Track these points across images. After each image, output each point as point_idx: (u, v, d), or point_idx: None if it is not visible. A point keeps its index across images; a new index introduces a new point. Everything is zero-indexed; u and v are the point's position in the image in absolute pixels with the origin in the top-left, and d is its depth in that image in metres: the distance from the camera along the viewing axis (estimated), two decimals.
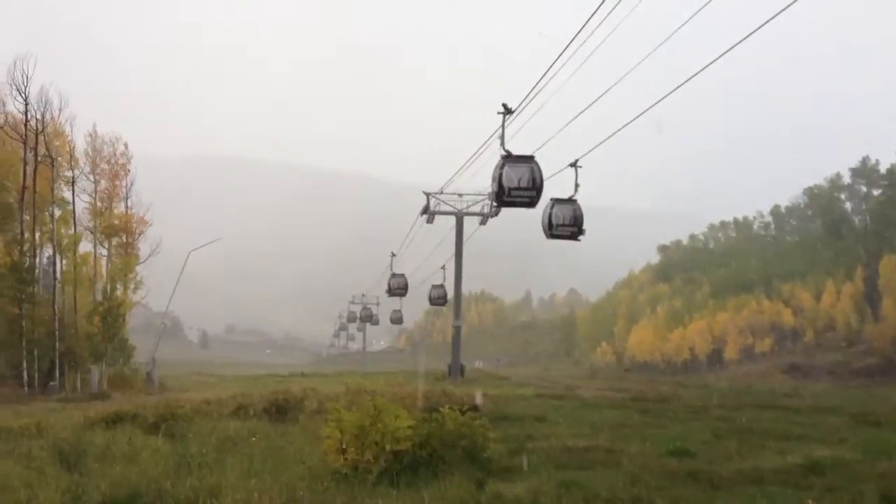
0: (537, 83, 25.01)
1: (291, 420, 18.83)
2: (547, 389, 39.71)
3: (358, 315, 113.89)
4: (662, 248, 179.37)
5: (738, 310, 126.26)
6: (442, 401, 20.56)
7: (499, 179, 27.01)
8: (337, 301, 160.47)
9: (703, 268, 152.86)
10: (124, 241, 60.03)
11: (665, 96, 21.16)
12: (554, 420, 20.32)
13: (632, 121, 23.63)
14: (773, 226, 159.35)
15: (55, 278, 56.30)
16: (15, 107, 50.57)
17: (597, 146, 27.62)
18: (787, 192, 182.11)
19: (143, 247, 60.86)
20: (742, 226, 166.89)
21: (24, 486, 10.52)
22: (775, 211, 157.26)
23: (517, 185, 27.08)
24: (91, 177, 57.79)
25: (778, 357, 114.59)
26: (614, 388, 43.14)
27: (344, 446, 11.65)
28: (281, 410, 19.67)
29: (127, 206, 60.28)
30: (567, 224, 29.96)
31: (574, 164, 29.42)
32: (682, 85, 20.16)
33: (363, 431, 11.69)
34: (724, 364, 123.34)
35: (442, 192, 56.16)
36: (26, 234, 51.84)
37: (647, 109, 22.17)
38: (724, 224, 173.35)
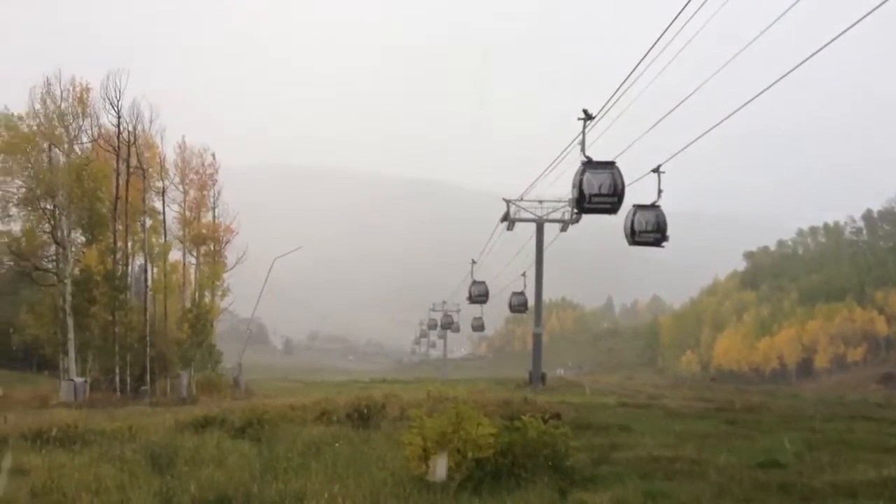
0: (618, 88, 24.80)
1: (374, 426, 18.95)
2: (630, 398, 39.10)
3: (439, 322, 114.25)
4: (749, 255, 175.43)
5: (830, 318, 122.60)
6: (523, 409, 20.48)
7: (579, 186, 26.82)
8: (418, 308, 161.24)
9: (792, 274, 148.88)
10: (212, 249, 61.58)
11: (754, 98, 20.79)
12: (638, 430, 19.99)
13: (718, 123, 23.23)
14: (865, 231, 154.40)
15: (146, 286, 58.02)
16: (108, 120, 52.42)
17: (681, 150, 27.21)
18: (880, 196, 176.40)
19: (230, 255, 62.47)
20: (832, 231, 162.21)
21: (118, 489, 10.84)
22: (867, 216, 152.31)
23: (598, 192, 26.85)
24: (180, 187, 59.62)
25: (871, 366, 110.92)
26: (700, 398, 42.21)
27: (426, 453, 11.68)
28: (363, 416, 19.80)
29: (214, 216, 61.87)
30: (650, 230, 29.51)
31: (657, 170, 28.97)
32: (769, 87, 19.79)
33: (445, 438, 11.69)
34: (814, 373, 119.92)
35: (522, 199, 56.03)
36: (119, 243, 53.54)
37: (735, 112, 21.80)
38: (813, 229, 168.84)
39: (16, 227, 53.79)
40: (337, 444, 15.22)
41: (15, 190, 51.12)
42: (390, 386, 53.94)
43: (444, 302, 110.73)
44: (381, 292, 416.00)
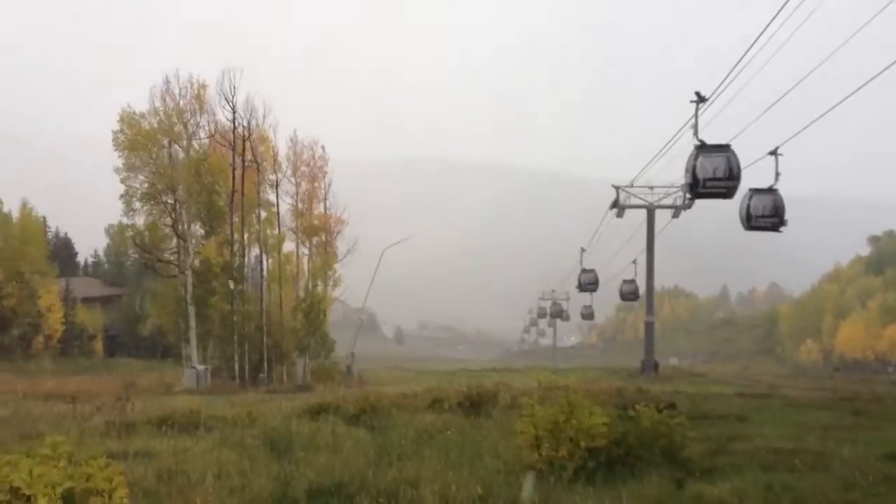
0: (732, 69, 24.06)
1: (485, 414, 18.95)
2: (748, 388, 38.00)
3: (548, 311, 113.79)
4: (873, 239, 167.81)
5: None
6: (636, 398, 20.13)
7: (693, 170, 26.20)
8: (527, 297, 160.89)
9: None
10: (324, 240, 62.76)
11: (875, 76, 19.82)
12: (757, 420, 19.35)
13: (840, 102, 22.25)
14: None
15: (262, 276, 59.66)
16: (224, 116, 54.06)
17: (800, 132, 26.21)
18: None
19: (341, 245, 63.57)
20: None
21: (239, 473, 11.15)
22: None
23: (713, 176, 26.18)
24: (293, 179, 60.93)
25: None
26: (822, 388, 40.70)
27: (538, 442, 11.59)
28: (475, 405, 19.82)
29: (325, 207, 63.04)
30: (767, 215, 28.53)
31: (774, 152, 27.93)
32: (887, 69, 18.82)
33: (557, 427, 11.58)
34: None
35: (632, 186, 55.07)
36: (236, 235, 55.20)
37: (856, 91, 20.84)
38: None
39: (140, 221, 56.18)
40: (449, 432, 15.27)
41: (138, 185, 53.35)
42: (500, 374, 53.81)
43: (553, 290, 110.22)
44: (491, 282, 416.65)
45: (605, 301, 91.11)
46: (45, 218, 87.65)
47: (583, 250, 65.89)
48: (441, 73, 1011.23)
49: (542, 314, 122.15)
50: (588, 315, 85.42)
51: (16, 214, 78.31)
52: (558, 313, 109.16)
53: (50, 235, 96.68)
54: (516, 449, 12.15)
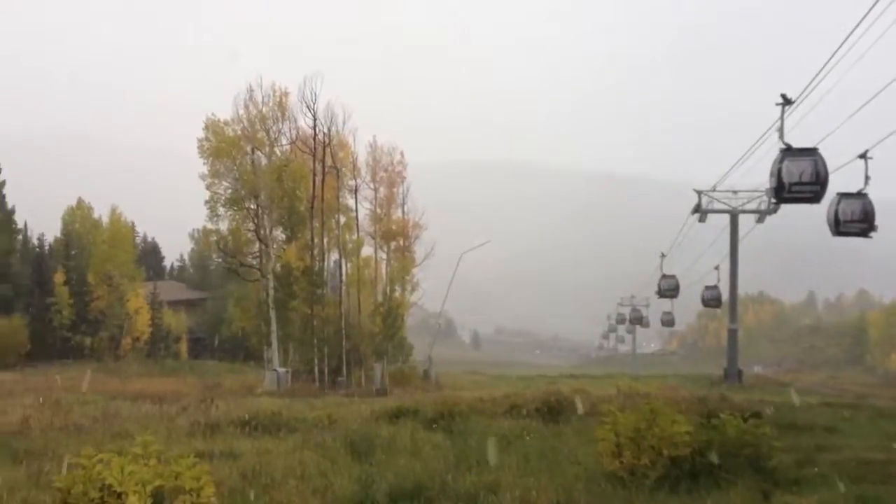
0: (820, 70, 23.40)
1: (563, 421, 18.78)
2: (836, 398, 36.84)
3: (627, 317, 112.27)
4: None
5: None
6: (720, 406, 19.70)
7: (778, 174, 25.59)
8: (605, 303, 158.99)
9: None
10: (401, 244, 63.18)
11: None
12: (845, 431, 18.76)
13: None
14: None
15: (341, 281, 60.33)
16: (305, 122, 54.94)
17: (890, 134, 25.24)
18: None
19: (419, 250, 63.89)
20: None
21: (321, 474, 11.31)
22: None
23: (798, 180, 25.52)
24: (371, 185, 61.54)
25: None
26: None
27: (619, 449, 11.45)
28: (553, 411, 19.65)
29: (403, 212, 63.46)
30: (856, 220, 27.62)
31: (863, 155, 27.05)
32: None
33: (639, 435, 11.41)
34: None
35: (715, 190, 53.99)
36: (316, 240, 55.98)
37: None
38: None
39: (224, 227, 57.41)
40: (527, 438, 15.21)
41: (222, 191, 54.67)
42: (578, 381, 53.37)
43: (632, 296, 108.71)
44: (569, 287, 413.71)
45: (687, 307, 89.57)
46: (133, 223, 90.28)
47: (663, 255, 64.88)
48: (516, 75, 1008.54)
49: (620, 320, 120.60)
50: (668, 321, 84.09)
51: (106, 220, 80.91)
52: (638, 319, 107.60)
53: (138, 240, 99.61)
54: (596, 456, 12.01)
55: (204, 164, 54.26)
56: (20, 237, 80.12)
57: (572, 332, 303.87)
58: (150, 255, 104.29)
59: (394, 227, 62.56)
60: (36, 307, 71.50)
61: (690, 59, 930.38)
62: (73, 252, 78.65)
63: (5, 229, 71.75)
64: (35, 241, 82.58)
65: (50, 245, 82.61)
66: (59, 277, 72.46)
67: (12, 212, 72.82)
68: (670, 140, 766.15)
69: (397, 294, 62.78)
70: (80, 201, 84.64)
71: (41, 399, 26.76)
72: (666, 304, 73.61)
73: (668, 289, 64.43)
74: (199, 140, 54.16)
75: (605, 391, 31.23)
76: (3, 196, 71.46)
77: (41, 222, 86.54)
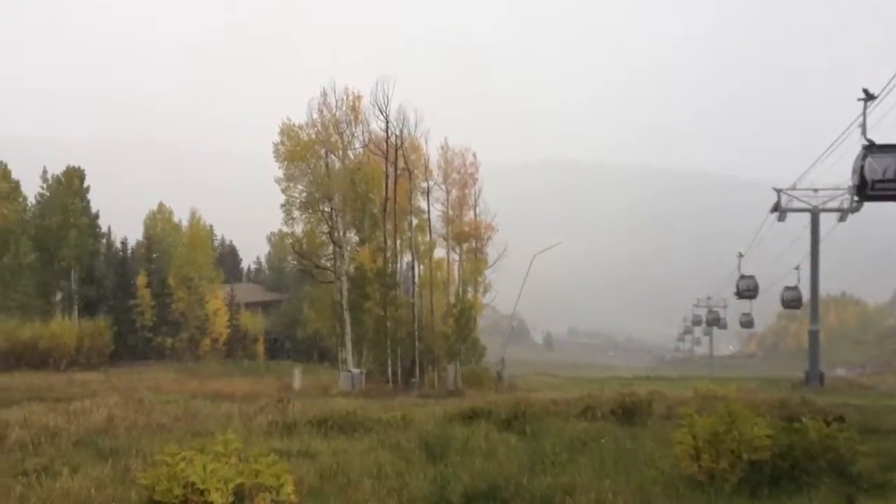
0: None
1: (639, 423, 18.56)
2: None
3: (704, 318, 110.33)
4: None
5: None
6: (801, 410, 19.23)
7: (860, 172, 24.84)
8: (681, 303, 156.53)
9: None
10: (474, 246, 63.20)
11: None
12: None
13: None
14: None
15: (414, 282, 60.65)
16: (377, 125, 55.37)
17: None
18: None
19: (491, 251, 63.83)
20: None
21: (396, 475, 11.40)
22: None
23: (882, 178, 24.73)
24: (443, 186, 61.71)
25: None
26: None
27: (697, 453, 11.26)
28: (628, 413, 19.43)
29: (475, 213, 63.48)
30: None
31: None
32: None
33: (717, 438, 11.22)
34: None
35: (795, 188, 52.70)
36: (388, 242, 56.35)
37: None
38: None
39: (299, 229, 58.32)
40: (602, 440, 15.07)
41: (297, 194, 55.51)
42: (654, 383, 52.65)
43: (708, 297, 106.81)
44: (642, 287, 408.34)
45: (766, 308, 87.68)
46: (211, 226, 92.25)
47: (741, 255, 63.58)
48: (590, 74, 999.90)
49: (697, 321, 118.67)
50: (747, 323, 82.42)
51: (185, 223, 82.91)
52: (715, 321, 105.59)
53: (216, 243, 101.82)
54: (674, 459, 11.84)
55: (279, 167, 55.21)
56: (104, 241, 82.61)
57: (647, 334, 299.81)
58: (227, 258, 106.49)
59: (466, 229, 62.63)
60: (119, 309, 73.67)
61: (769, 55, 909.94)
62: (154, 255, 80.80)
63: (90, 233, 74.06)
64: (118, 245, 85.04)
65: (132, 249, 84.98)
66: (141, 280, 74.55)
67: (97, 216, 75.09)
68: (748, 138, 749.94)
69: (469, 295, 62.79)
70: (161, 206, 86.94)
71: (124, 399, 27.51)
72: (744, 305, 72.11)
73: (747, 289, 63.07)
74: (275, 144, 55.12)
75: (682, 394, 30.77)
76: (88, 201, 73.72)
77: (124, 226, 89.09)
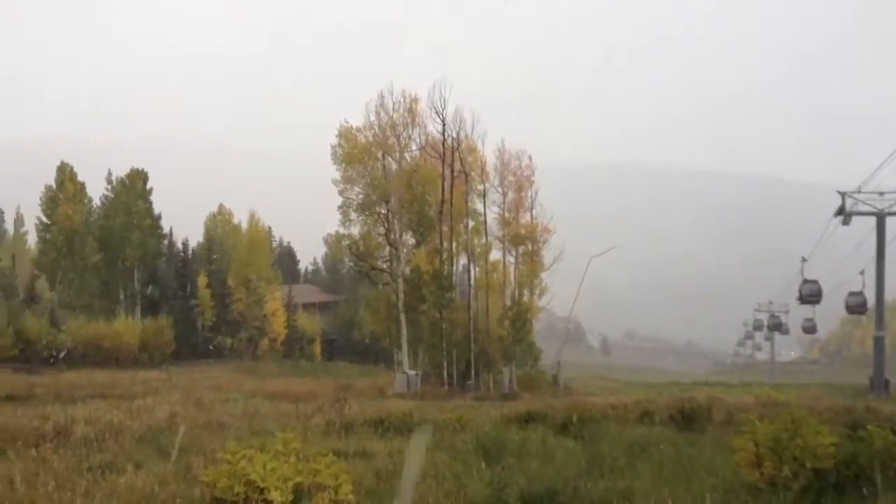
0: None
1: (698, 429, 18.28)
2: None
3: (765, 323, 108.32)
4: None
5: None
6: (866, 418, 18.77)
7: None
8: (741, 307, 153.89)
9: None
10: (530, 249, 63.02)
11: None
12: None
13: None
14: None
15: (469, 284, 60.69)
16: (434, 128, 55.59)
17: None
18: None
19: (547, 254, 63.59)
20: None
21: (453, 477, 11.40)
22: None
23: None
24: (500, 189, 61.72)
25: None
26: None
27: (759, 460, 11.05)
28: (687, 419, 19.13)
29: (532, 216, 63.30)
30: None
31: None
32: None
33: (780, 445, 10.99)
34: None
35: (860, 191, 51.46)
36: (444, 244, 56.50)
37: None
38: None
39: (355, 231, 58.75)
40: (661, 446, 14.88)
41: (354, 196, 55.93)
42: (713, 388, 51.94)
43: (770, 302, 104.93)
44: (702, 291, 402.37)
45: (829, 314, 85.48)
46: (270, 228, 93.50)
47: (804, 259, 62.33)
48: (650, 77, 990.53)
49: (758, 326, 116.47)
50: (810, 328, 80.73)
51: (245, 225, 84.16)
52: (776, 326, 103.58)
53: (274, 244, 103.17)
54: (734, 466, 11.64)
55: (337, 170, 55.70)
56: (166, 242, 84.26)
57: (706, 339, 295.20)
58: (285, 259, 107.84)
59: (522, 231, 62.49)
60: (180, 309, 75.06)
61: (831, 55, 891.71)
62: (214, 256, 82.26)
63: (153, 234, 75.61)
64: (180, 246, 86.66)
65: (193, 249, 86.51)
66: (201, 280, 75.91)
67: (159, 217, 76.62)
68: (810, 140, 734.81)
69: (525, 298, 62.62)
70: (221, 207, 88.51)
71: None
72: (807, 310, 70.49)
73: (810, 294, 61.70)
74: (333, 147, 55.65)
75: (742, 400, 30.28)
76: (151, 203, 75.27)
77: (185, 227, 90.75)
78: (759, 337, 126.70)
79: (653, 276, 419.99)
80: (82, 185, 72.95)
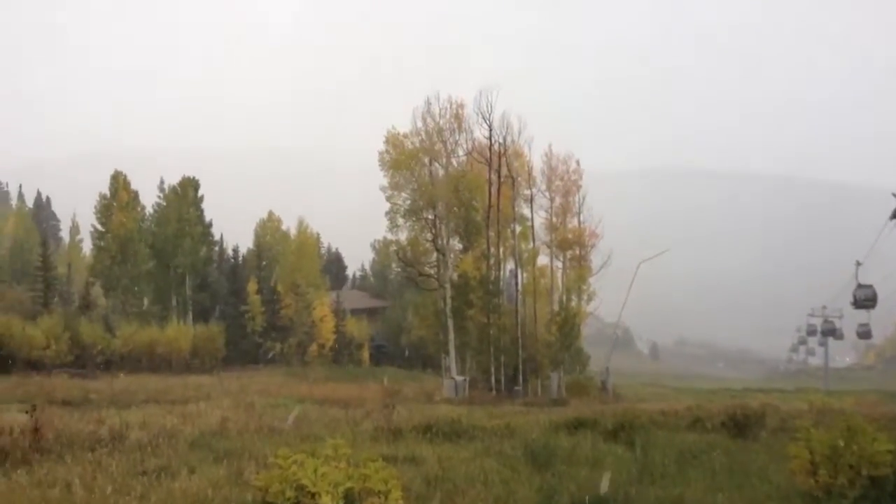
0: None
1: (751, 436, 18.00)
2: None
3: (819, 328, 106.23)
4: None
5: None
6: None
7: None
8: (794, 313, 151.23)
9: None
10: (577, 253, 62.66)
11: None
12: None
13: None
14: None
15: (517, 290, 60.55)
16: (481, 133, 55.67)
17: None
18: None
19: (595, 259, 63.14)
20: None
21: (502, 482, 11.37)
22: None
23: None
24: (546, 194, 61.51)
25: None
26: None
27: (814, 467, 10.84)
28: (740, 425, 18.84)
29: (579, 221, 62.95)
30: None
31: None
32: None
33: (836, 453, 10.77)
34: None
35: None
36: (492, 249, 56.49)
37: None
38: None
39: (403, 237, 59.07)
40: (714, 453, 14.69)
41: (401, 202, 56.23)
42: (766, 395, 51.10)
43: (823, 307, 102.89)
44: (753, 296, 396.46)
45: (885, 319, 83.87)
46: (318, 234, 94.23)
47: (858, 264, 61.03)
48: (704, 79, 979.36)
49: (811, 332, 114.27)
50: (865, 334, 78.98)
51: (293, 231, 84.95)
52: (830, 331, 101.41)
53: (323, 251, 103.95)
54: (789, 474, 11.44)
55: (384, 176, 56.03)
56: (217, 249, 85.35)
57: (758, 345, 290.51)
58: (333, 265, 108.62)
59: (570, 236, 62.19)
60: (231, 315, 75.94)
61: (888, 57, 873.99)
62: (263, 262, 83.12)
63: (204, 241, 76.69)
64: (230, 253, 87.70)
65: (243, 256, 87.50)
66: (251, 286, 76.71)
67: (210, 224, 77.63)
68: (863, 142, 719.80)
69: (573, 303, 62.29)
70: (270, 214, 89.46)
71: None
72: (862, 315, 68.99)
73: (865, 299, 60.37)
74: (380, 153, 56.05)
75: (796, 406, 29.76)
76: (202, 210, 76.32)
77: (235, 234, 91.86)
78: (812, 342, 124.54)
79: (705, 281, 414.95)
80: (135, 193, 74.23)
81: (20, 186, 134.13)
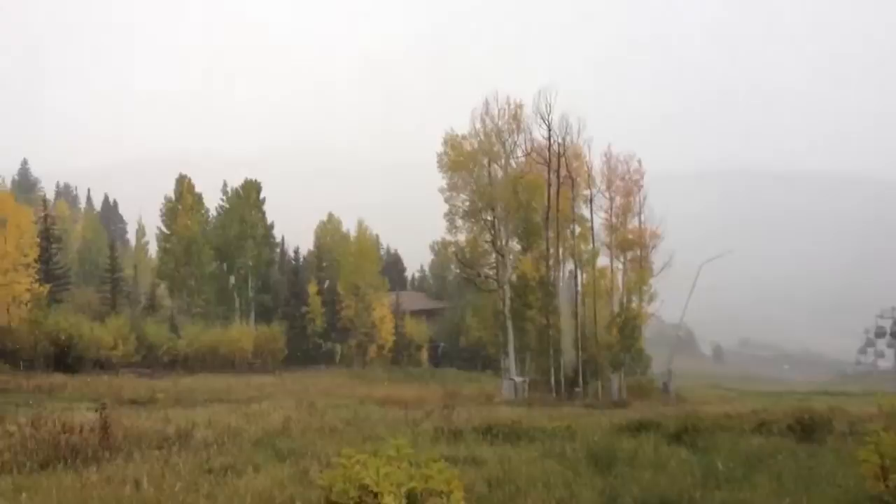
0: None
1: (818, 440, 17.61)
2: None
3: (888, 330, 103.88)
4: None
5: None
6: None
7: None
8: (862, 314, 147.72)
9: None
10: (638, 254, 61.99)
11: None
12: None
13: None
14: None
15: (576, 291, 60.17)
16: (539, 134, 55.46)
17: None
18: None
19: (656, 260, 62.37)
20: None
21: (564, 485, 11.30)
22: None
23: None
24: (606, 194, 60.93)
25: None
26: None
27: (885, 472, 10.58)
28: (806, 429, 18.45)
29: (640, 221, 62.26)
30: None
31: None
32: None
33: None
34: None
35: None
36: (551, 250, 56.22)
37: None
38: None
39: (461, 238, 59.05)
40: (780, 457, 14.41)
41: (460, 203, 56.30)
42: (833, 398, 49.91)
43: (893, 308, 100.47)
44: (820, 297, 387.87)
45: None
46: (378, 236, 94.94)
47: None
48: (772, 77, 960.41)
49: (880, 333, 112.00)
50: None
51: (353, 233, 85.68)
52: None
53: (382, 252, 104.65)
54: (858, 478, 11.17)
55: (443, 177, 56.16)
56: (278, 250, 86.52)
57: (825, 347, 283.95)
58: (392, 267, 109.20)
59: (630, 237, 61.54)
60: (292, 316, 76.95)
61: None
62: (324, 264, 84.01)
63: (266, 243, 77.89)
64: (291, 254, 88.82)
65: (304, 257, 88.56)
66: (312, 288, 77.66)
67: (272, 227, 78.79)
68: None
69: (634, 305, 61.62)
70: (330, 216, 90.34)
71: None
72: None
73: None
74: (439, 154, 56.18)
75: (864, 410, 29.01)
76: (264, 213, 77.49)
77: (296, 235, 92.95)
78: (881, 344, 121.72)
79: (770, 282, 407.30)
80: (199, 196, 75.68)
81: (88, 190, 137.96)
